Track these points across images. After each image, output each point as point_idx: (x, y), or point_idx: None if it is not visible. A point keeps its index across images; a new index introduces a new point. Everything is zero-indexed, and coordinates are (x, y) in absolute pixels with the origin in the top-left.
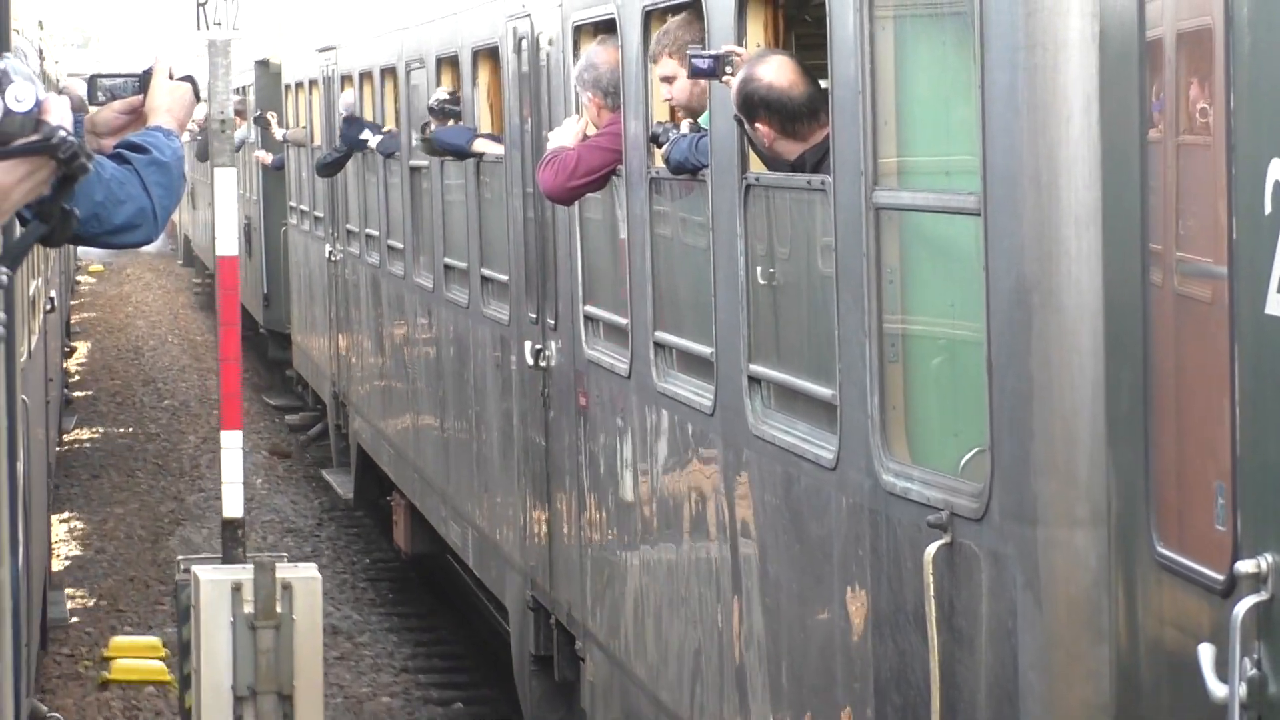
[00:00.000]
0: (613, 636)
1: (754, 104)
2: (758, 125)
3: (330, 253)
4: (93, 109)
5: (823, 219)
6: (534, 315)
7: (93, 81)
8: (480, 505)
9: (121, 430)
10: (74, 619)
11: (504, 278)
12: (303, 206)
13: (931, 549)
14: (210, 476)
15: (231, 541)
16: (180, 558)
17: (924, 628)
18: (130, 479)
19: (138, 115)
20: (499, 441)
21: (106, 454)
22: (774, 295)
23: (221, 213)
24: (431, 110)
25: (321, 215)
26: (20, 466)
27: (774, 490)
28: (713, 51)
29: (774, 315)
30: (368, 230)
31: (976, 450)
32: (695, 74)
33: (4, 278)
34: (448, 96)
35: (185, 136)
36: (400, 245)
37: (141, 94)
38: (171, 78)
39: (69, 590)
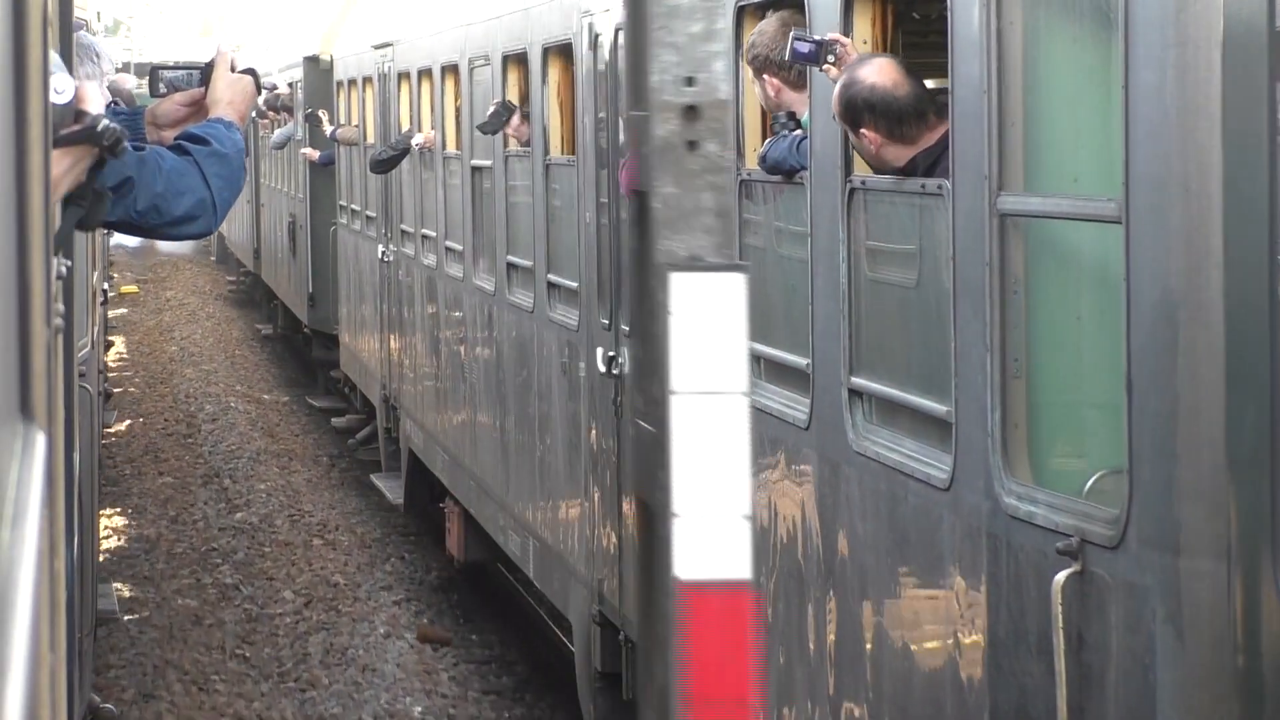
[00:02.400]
0: None
1: (857, 108)
2: (863, 131)
3: (383, 253)
4: (154, 100)
5: (939, 225)
6: (607, 321)
7: (154, 74)
8: (543, 514)
9: (160, 425)
10: (128, 617)
11: (573, 283)
12: (354, 206)
13: (1060, 577)
14: (245, 472)
15: None
16: None
17: (1049, 661)
18: (170, 476)
19: (199, 107)
20: (565, 450)
21: (143, 448)
22: (880, 305)
23: None
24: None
25: (374, 215)
26: (77, 458)
27: (876, 510)
28: (816, 37)
29: (880, 326)
30: (424, 231)
31: (1104, 472)
32: (795, 58)
33: (63, 269)
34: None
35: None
36: (459, 247)
37: (203, 86)
38: (234, 70)
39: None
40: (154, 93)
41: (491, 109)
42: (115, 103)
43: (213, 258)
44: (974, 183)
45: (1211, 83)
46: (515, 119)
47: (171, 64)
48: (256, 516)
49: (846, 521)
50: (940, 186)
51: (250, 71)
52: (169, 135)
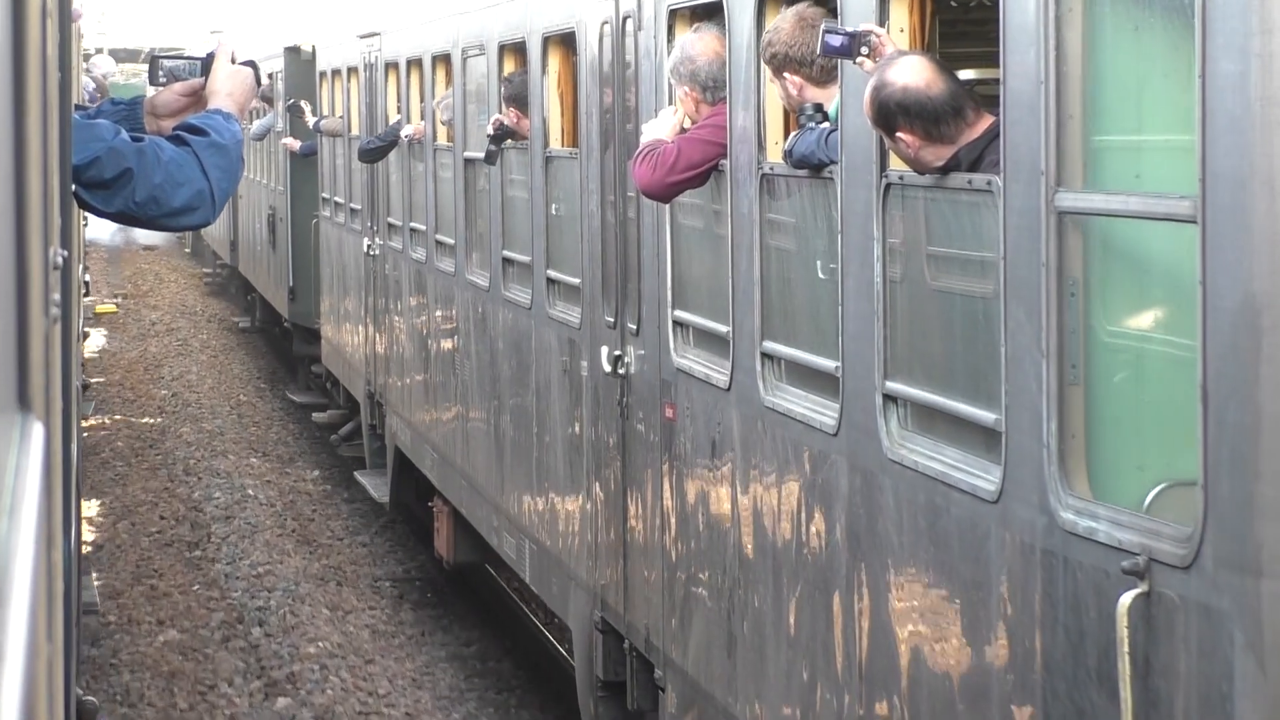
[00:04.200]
0: (702, 670)
1: (890, 112)
2: (900, 136)
3: (369, 246)
4: (153, 90)
5: (987, 223)
6: (612, 319)
7: (154, 63)
8: (540, 517)
9: (135, 419)
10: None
11: (574, 280)
12: (337, 198)
13: (1126, 598)
14: (218, 464)
15: None
16: None
17: (1113, 688)
18: (145, 469)
19: (198, 98)
20: (565, 450)
21: (120, 441)
22: (919, 306)
23: None
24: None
25: (359, 207)
26: (75, 449)
27: (914, 522)
28: (849, 28)
29: (918, 328)
30: (413, 224)
31: (1166, 484)
32: (827, 52)
33: (60, 258)
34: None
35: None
36: (450, 241)
37: (203, 77)
38: (234, 62)
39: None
40: (154, 81)
41: (489, 136)
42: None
43: (188, 250)
44: (1029, 179)
45: None
46: (514, 114)
47: (172, 54)
48: (240, 513)
49: (880, 532)
50: (989, 183)
51: (250, 64)
52: (168, 125)
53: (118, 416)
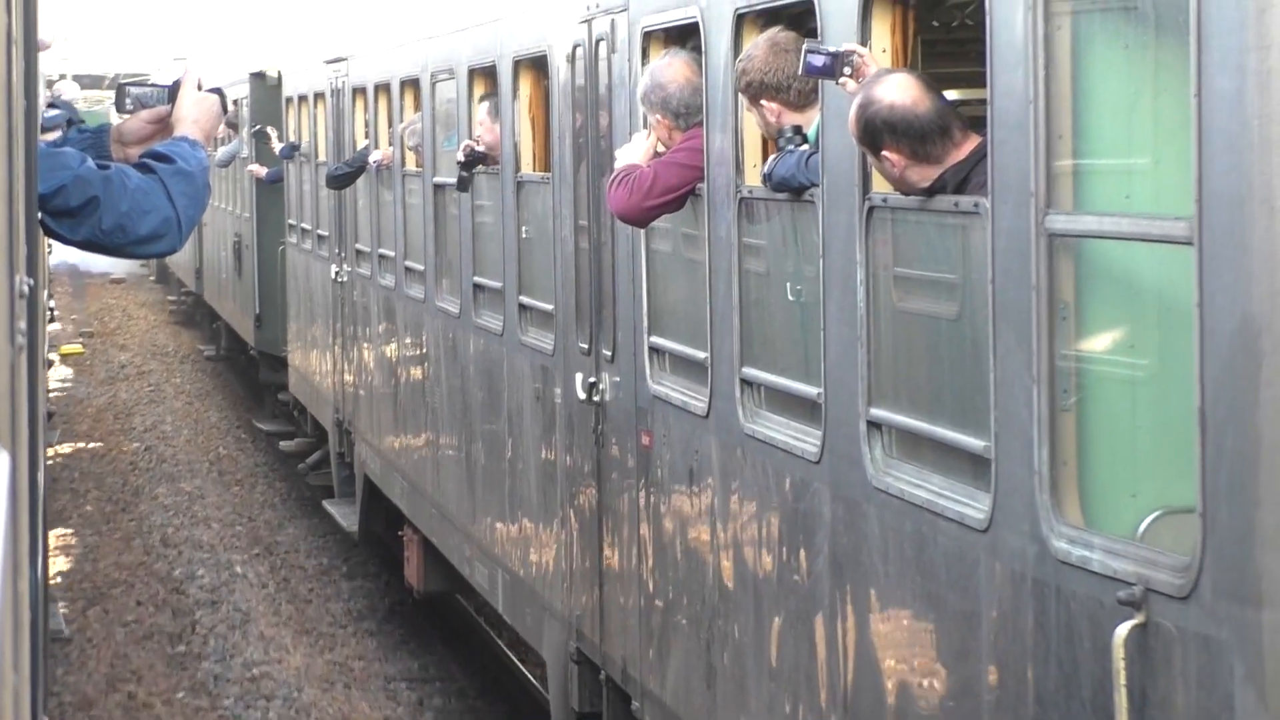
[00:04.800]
0: (681, 701)
1: (876, 129)
2: (885, 154)
3: (336, 273)
4: (119, 117)
5: (975, 246)
6: (586, 345)
7: (120, 90)
8: (514, 546)
9: (105, 477)
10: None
11: (547, 305)
12: (304, 225)
13: (1122, 629)
14: (200, 534)
15: None
16: None
17: None
18: (118, 539)
19: (164, 125)
20: (538, 479)
21: (89, 505)
22: (904, 331)
23: None
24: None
25: (326, 234)
26: (41, 477)
27: (899, 551)
28: (831, 48)
29: (904, 354)
30: (381, 251)
31: (1160, 512)
32: (810, 72)
33: (25, 287)
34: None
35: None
36: (420, 267)
37: (169, 104)
38: (200, 89)
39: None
40: (120, 109)
41: (460, 162)
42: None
43: (152, 278)
44: (1018, 200)
45: None
46: (486, 118)
47: (138, 81)
48: (228, 596)
49: (865, 562)
50: (977, 205)
51: (217, 91)
52: (134, 153)
53: (87, 474)
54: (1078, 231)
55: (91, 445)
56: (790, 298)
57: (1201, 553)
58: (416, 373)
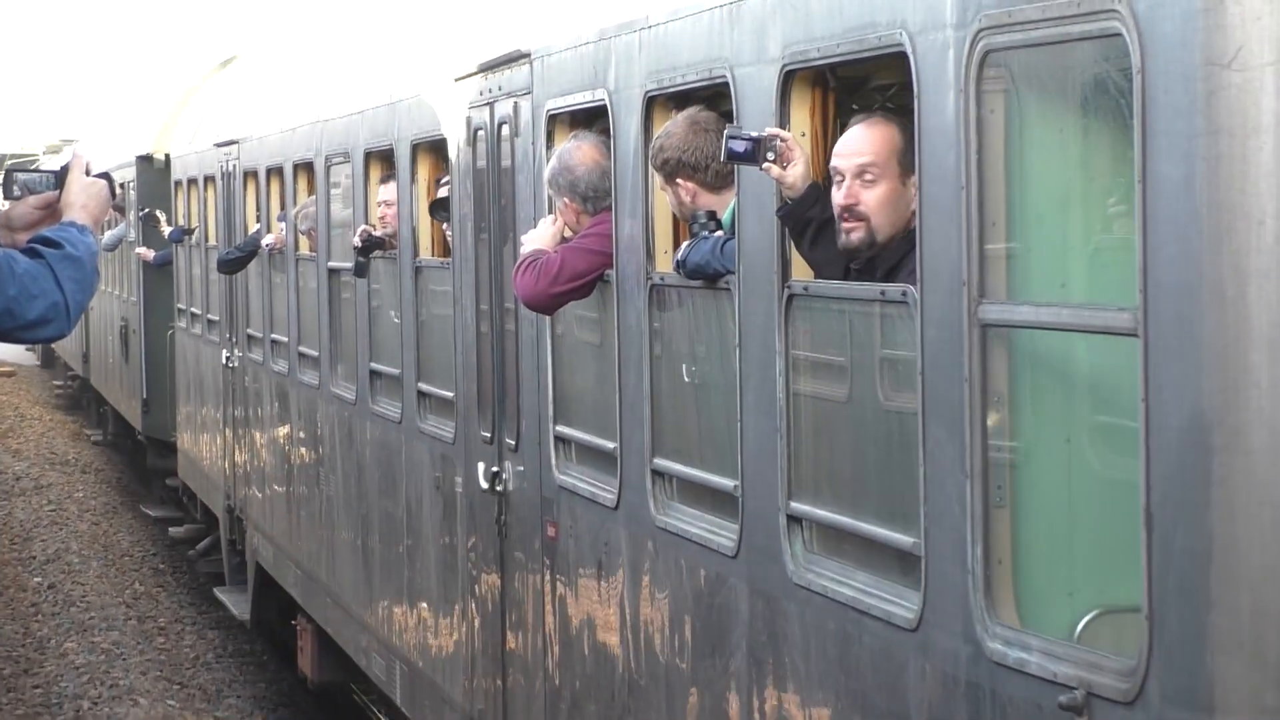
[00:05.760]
0: None
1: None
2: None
3: (227, 358)
4: (6, 203)
5: (902, 336)
6: (489, 434)
7: (8, 176)
8: (413, 637)
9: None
10: None
11: (447, 393)
12: (194, 309)
13: None
14: (121, 711)
15: None
16: None
17: None
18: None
19: (52, 210)
20: (438, 570)
21: None
22: (826, 423)
23: None
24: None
25: (216, 318)
26: None
27: (821, 650)
28: (753, 133)
29: (826, 446)
30: (274, 335)
31: (1098, 612)
32: (731, 158)
33: None
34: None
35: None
36: (314, 353)
37: (57, 190)
38: (88, 174)
39: None
40: (8, 195)
41: (356, 248)
42: None
43: (38, 362)
44: (949, 289)
45: (1251, 176)
46: (391, 196)
47: (27, 167)
48: (93, 626)
49: (785, 661)
50: (905, 293)
51: (105, 176)
52: (22, 238)
53: None
54: (1013, 322)
55: None
56: (702, 386)
57: (1148, 656)
58: (311, 459)
